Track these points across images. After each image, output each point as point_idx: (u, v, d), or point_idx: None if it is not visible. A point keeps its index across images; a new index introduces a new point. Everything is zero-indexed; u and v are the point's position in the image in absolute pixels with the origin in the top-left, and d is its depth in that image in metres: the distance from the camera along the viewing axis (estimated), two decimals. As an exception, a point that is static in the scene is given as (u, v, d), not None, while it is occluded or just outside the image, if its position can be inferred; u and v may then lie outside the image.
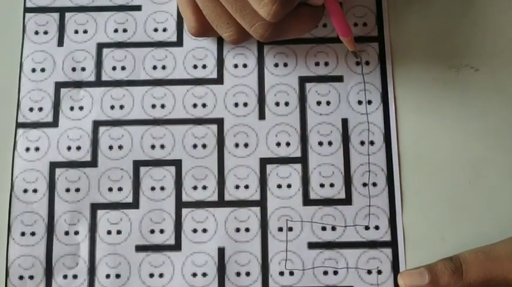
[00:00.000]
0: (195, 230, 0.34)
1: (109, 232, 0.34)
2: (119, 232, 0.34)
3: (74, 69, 0.36)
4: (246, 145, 0.35)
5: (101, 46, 0.37)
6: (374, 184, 0.35)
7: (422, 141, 0.35)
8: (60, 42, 0.37)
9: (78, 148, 0.35)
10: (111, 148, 0.35)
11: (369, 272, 0.34)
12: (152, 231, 0.34)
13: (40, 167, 0.35)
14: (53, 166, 0.35)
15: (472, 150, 0.35)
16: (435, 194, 0.35)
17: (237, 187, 0.35)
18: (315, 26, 0.33)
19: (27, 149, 0.35)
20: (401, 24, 0.37)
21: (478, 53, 0.36)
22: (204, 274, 0.34)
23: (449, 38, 0.37)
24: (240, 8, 0.30)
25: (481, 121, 0.35)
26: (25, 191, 0.35)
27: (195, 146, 0.35)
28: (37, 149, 0.35)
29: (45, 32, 0.37)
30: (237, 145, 0.35)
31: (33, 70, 0.36)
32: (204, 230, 0.34)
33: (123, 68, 0.36)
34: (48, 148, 0.35)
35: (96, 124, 0.36)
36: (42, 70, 0.36)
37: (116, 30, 0.37)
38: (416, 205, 0.35)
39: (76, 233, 0.35)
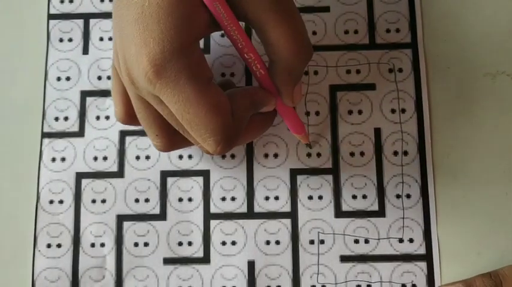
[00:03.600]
0: (223, 243, 0.34)
1: (136, 244, 0.34)
2: (146, 244, 0.34)
3: (99, 78, 0.36)
4: (275, 155, 0.34)
5: (126, 54, 0.36)
6: (408, 196, 0.34)
7: (458, 151, 0.34)
8: (85, 50, 0.36)
9: (105, 158, 0.35)
10: (138, 158, 0.35)
11: (403, 286, 0.33)
12: (180, 243, 0.34)
13: (66, 177, 0.35)
14: (79, 176, 0.35)
15: (509, 160, 0.34)
16: (471, 206, 0.34)
17: (267, 198, 0.34)
18: (269, 127, 0.31)
19: (53, 160, 0.35)
20: (435, 30, 0.36)
21: (514, 60, 0.35)
22: (234, 288, 0.33)
23: (484, 44, 0.35)
24: (183, 130, 0.28)
25: (518, 130, 0.34)
26: (51, 202, 0.34)
27: (223, 156, 0.35)
28: (63, 159, 0.35)
29: (70, 40, 0.36)
30: (266, 155, 0.34)
31: (58, 79, 0.36)
32: (233, 243, 0.34)
33: (149, 76, 0.36)
34: (75, 158, 0.35)
35: (123, 134, 0.35)
36: (68, 79, 0.36)
37: (142, 38, 0.36)
38: (452, 217, 0.34)
39: (102, 245, 0.34)
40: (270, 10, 0.26)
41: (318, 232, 0.34)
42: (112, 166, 0.35)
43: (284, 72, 0.28)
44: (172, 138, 0.29)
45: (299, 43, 0.27)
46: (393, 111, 0.35)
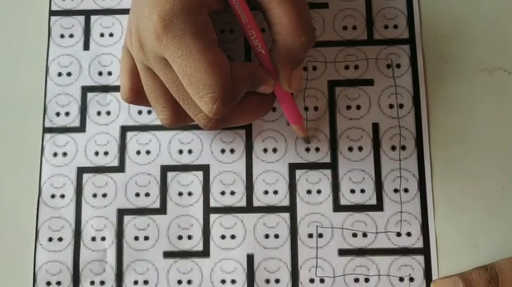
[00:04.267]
0: (223, 237, 0.34)
1: (136, 238, 0.34)
2: (146, 238, 0.34)
3: (100, 74, 0.36)
4: (274, 150, 0.35)
5: (127, 50, 0.36)
6: (406, 190, 0.34)
7: (455, 146, 0.35)
8: (86, 46, 0.37)
9: (106, 153, 0.35)
10: (138, 153, 0.35)
11: (401, 279, 0.33)
12: (180, 237, 0.34)
13: (67, 172, 0.35)
14: (81, 171, 0.35)
15: (506, 155, 0.34)
16: (468, 200, 0.34)
17: (266, 192, 0.34)
18: (266, 113, 0.32)
19: (55, 154, 0.35)
20: (433, 26, 0.36)
21: (511, 56, 0.35)
22: (233, 281, 0.33)
23: (482, 40, 0.36)
24: (183, 97, 0.29)
25: (515, 125, 0.35)
26: (52, 196, 0.35)
27: (223, 151, 0.35)
28: (65, 154, 0.35)
29: (71, 35, 0.37)
30: (265, 150, 0.35)
31: (59, 74, 0.36)
32: (233, 237, 0.34)
33: (150, 71, 0.36)
34: (76, 153, 0.35)
35: (124, 129, 0.35)
36: (68, 74, 0.36)
37: (142, 34, 0.36)
38: (449, 211, 0.34)
39: (103, 239, 0.34)
40: None
41: (317, 226, 0.34)
42: (113, 160, 0.35)
43: (284, 52, 0.29)
44: (177, 111, 0.30)
45: (302, 24, 0.28)
46: (391, 106, 0.35)
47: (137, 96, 0.31)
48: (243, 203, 0.34)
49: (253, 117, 0.32)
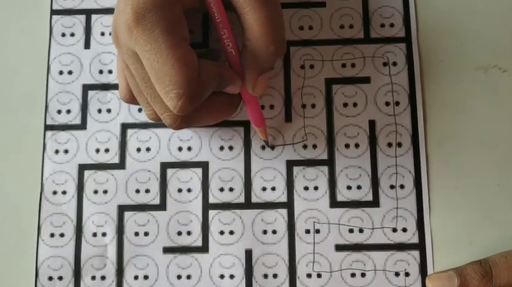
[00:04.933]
0: (222, 232, 0.35)
1: (136, 234, 0.35)
2: (146, 234, 0.35)
3: (101, 72, 0.37)
4: (272, 147, 0.35)
5: (127, 48, 0.37)
6: (401, 186, 0.35)
7: (450, 143, 0.35)
8: (87, 45, 0.37)
9: (107, 150, 0.36)
10: (138, 150, 0.36)
11: (397, 274, 0.34)
12: (179, 233, 0.35)
13: (69, 169, 0.36)
14: (82, 168, 0.36)
15: (501, 152, 0.35)
16: (463, 197, 0.34)
17: (264, 189, 0.35)
18: (232, 113, 0.33)
19: (57, 151, 0.36)
20: (429, 24, 0.36)
21: (506, 54, 0.36)
22: (232, 276, 0.34)
23: (477, 38, 0.36)
24: (150, 94, 0.29)
25: (510, 122, 0.35)
26: (54, 193, 0.35)
27: (221, 148, 0.35)
28: (66, 151, 0.36)
29: (72, 34, 0.37)
30: (263, 147, 0.35)
31: (61, 72, 0.37)
32: (231, 232, 0.35)
33: (149, 70, 0.36)
34: (77, 150, 0.36)
35: (124, 127, 0.36)
36: (70, 73, 0.37)
37: (142, 33, 0.37)
38: (444, 207, 0.34)
39: (104, 234, 0.35)
40: None
41: (314, 222, 0.34)
42: (114, 157, 0.36)
43: (252, 58, 0.29)
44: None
45: (272, 34, 0.28)
46: (387, 104, 0.35)
47: (133, 96, 0.32)
48: (241, 199, 0.35)
49: (220, 117, 0.32)
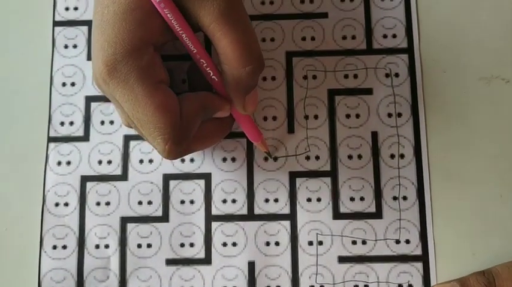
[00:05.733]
0: (224, 244, 0.35)
1: (139, 246, 0.35)
2: (149, 246, 0.35)
3: (103, 83, 0.37)
4: (275, 159, 0.35)
5: (130, 60, 0.37)
6: (404, 198, 0.35)
7: (453, 154, 0.35)
8: (90, 56, 0.37)
9: (109, 162, 0.36)
10: (141, 161, 0.36)
11: (400, 286, 0.34)
12: (182, 245, 0.35)
13: (71, 181, 0.35)
14: (84, 179, 0.35)
15: (504, 163, 0.35)
16: (466, 208, 0.34)
17: (267, 200, 0.35)
18: (226, 134, 0.33)
19: (59, 163, 0.36)
20: (431, 35, 0.36)
21: (508, 64, 0.36)
22: (235, 288, 0.34)
23: (480, 49, 0.36)
24: (140, 132, 0.29)
25: (513, 133, 0.35)
26: (57, 204, 0.35)
27: (224, 159, 0.35)
28: (68, 163, 0.36)
29: (75, 46, 0.37)
30: (266, 159, 0.35)
31: (64, 84, 0.37)
32: (234, 244, 0.34)
33: (152, 81, 0.36)
34: (80, 161, 0.36)
35: (127, 138, 0.36)
36: (72, 84, 0.37)
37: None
38: (447, 219, 0.34)
39: (106, 246, 0.35)
40: (218, 20, 0.28)
41: (317, 233, 0.34)
42: (116, 169, 0.36)
43: (232, 81, 0.29)
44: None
45: (246, 55, 0.28)
46: (390, 115, 0.35)
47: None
48: (244, 211, 0.35)
49: (214, 141, 0.33)
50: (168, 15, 0.28)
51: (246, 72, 0.29)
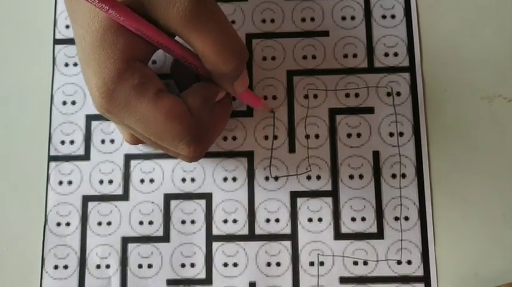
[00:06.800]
0: (225, 264, 0.34)
1: (140, 266, 0.35)
2: (150, 266, 0.35)
3: (104, 102, 0.37)
4: (276, 178, 0.35)
5: (130, 78, 0.37)
6: (406, 218, 0.34)
7: (455, 174, 0.35)
8: (90, 75, 0.37)
9: (110, 182, 0.36)
10: (142, 181, 0.36)
11: (402, 307, 0.34)
12: (183, 265, 0.35)
13: (73, 200, 0.35)
14: (86, 199, 0.35)
15: (506, 182, 0.35)
16: (468, 228, 0.34)
17: (268, 220, 0.35)
18: (230, 113, 0.34)
19: (60, 183, 0.36)
20: (433, 54, 0.36)
21: (511, 83, 0.36)
22: (236, 309, 0.34)
23: (481, 68, 0.36)
24: (158, 147, 0.30)
25: (515, 153, 0.35)
26: (58, 224, 0.35)
27: (225, 179, 0.35)
28: (70, 182, 0.36)
29: (75, 64, 0.37)
30: (267, 178, 0.35)
31: (64, 103, 0.37)
32: (235, 264, 0.34)
33: (153, 100, 0.36)
34: (81, 181, 0.36)
35: (128, 157, 0.36)
36: (73, 103, 0.37)
37: (145, 63, 0.37)
38: (449, 239, 0.34)
39: (107, 266, 0.35)
40: (187, 26, 0.27)
41: (318, 254, 0.34)
42: (117, 189, 0.36)
43: (218, 76, 0.29)
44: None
45: (226, 55, 0.28)
46: (391, 134, 0.35)
47: (137, 139, 0.32)
48: (245, 231, 0.35)
49: (224, 125, 0.33)
50: (137, 29, 0.27)
51: (229, 69, 0.28)
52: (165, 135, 0.27)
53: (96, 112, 0.36)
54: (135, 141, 0.33)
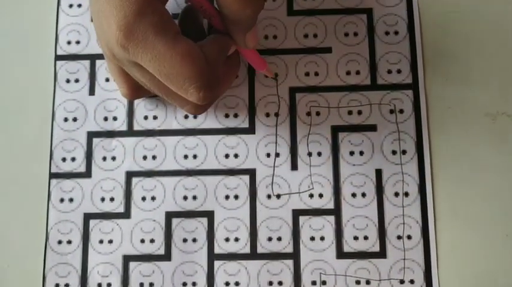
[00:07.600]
0: (227, 283, 0.34)
1: (141, 285, 0.35)
2: (151, 285, 0.35)
3: (105, 119, 0.36)
4: (278, 196, 0.35)
5: (132, 95, 0.37)
6: (409, 237, 0.34)
7: (458, 192, 0.35)
8: (92, 91, 0.37)
9: (112, 199, 0.35)
10: (143, 199, 0.35)
11: (404, 327, 0.33)
12: (184, 284, 0.34)
13: (74, 218, 0.35)
14: (87, 217, 0.35)
15: (510, 201, 0.34)
16: (472, 248, 0.34)
17: (270, 239, 0.35)
18: (238, 69, 0.35)
19: (62, 200, 0.36)
20: (436, 71, 0.36)
21: (515, 100, 0.36)
22: (237, 328, 0.34)
23: (485, 85, 0.36)
24: (166, 93, 0.30)
25: (519, 171, 0.35)
26: (59, 242, 0.35)
27: (227, 197, 0.35)
28: (71, 200, 0.36)
29: (77, 80, 0.37)
30: (269, 196, 0.35)
31: (66, 119, 0.37)
32: (237, 283, 0.34)
33: (154, 117, 0.36)
34: (82, 198, 0.36)
35: (129, 175, 0.36)
36: (74, 119, 0.37)
37: (147, 79, 0.37)
38: (452, 259, 0.34)
39: (109, 285, 0.35)
40: None
41: (320, 273, 0.34)
42: (119, 206, 0.35)
43: (232, 23, 0.30)
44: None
45: None
46: (394, 152, 0.35)
47: (135, 92, 0.33)
48: (247, 249, 0.35)
49: (232, 80, 0.34)
50: None
51: (246, 15, 0.29)
52: (178, 77, 0.27)
53: (97, 129, 0.36)
54: (134, 94, 0.33)
